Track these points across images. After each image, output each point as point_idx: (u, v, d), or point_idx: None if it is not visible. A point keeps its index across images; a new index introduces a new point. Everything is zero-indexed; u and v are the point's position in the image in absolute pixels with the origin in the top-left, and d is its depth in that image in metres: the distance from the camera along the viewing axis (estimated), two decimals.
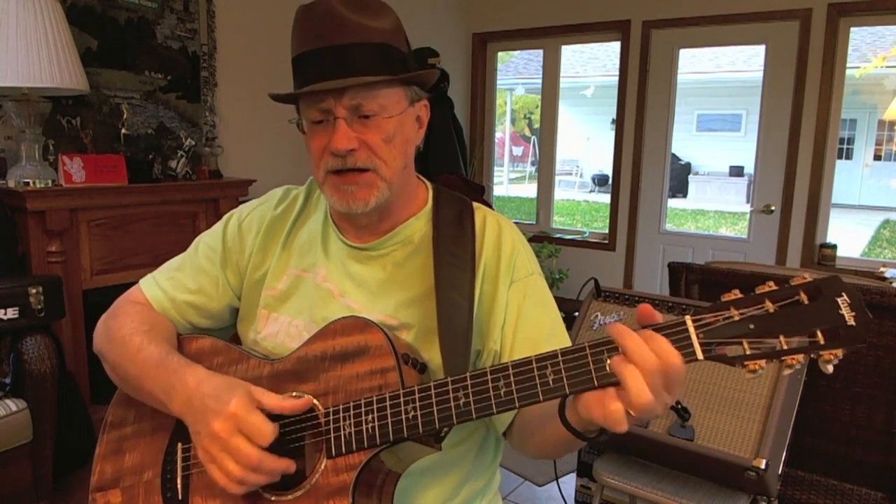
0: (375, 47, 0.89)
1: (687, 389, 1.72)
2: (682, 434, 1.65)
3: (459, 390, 0.76)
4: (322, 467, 0.82)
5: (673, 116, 4.56)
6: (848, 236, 8.92)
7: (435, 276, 0.93)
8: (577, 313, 2.01)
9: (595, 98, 12.96)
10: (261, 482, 0.81)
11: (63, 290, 2.31)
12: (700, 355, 0.66)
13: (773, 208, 4.23)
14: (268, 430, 0.79)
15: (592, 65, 12.60)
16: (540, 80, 5.24)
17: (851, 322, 0.62)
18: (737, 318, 0.65)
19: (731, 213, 11.08)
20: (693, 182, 13.18)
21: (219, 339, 1.01)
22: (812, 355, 0.63)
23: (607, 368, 0.68)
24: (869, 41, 10.26)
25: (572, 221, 10.43)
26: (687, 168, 13.30)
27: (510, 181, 13.98)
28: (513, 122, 14.91)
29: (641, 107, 4.56)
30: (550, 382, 0.71)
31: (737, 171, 12.14)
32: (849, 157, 12.84)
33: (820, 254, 4.08)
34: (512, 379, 0.73)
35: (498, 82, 5.45)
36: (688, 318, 0.66)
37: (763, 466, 1.52)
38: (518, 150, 15.87)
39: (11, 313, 2.11)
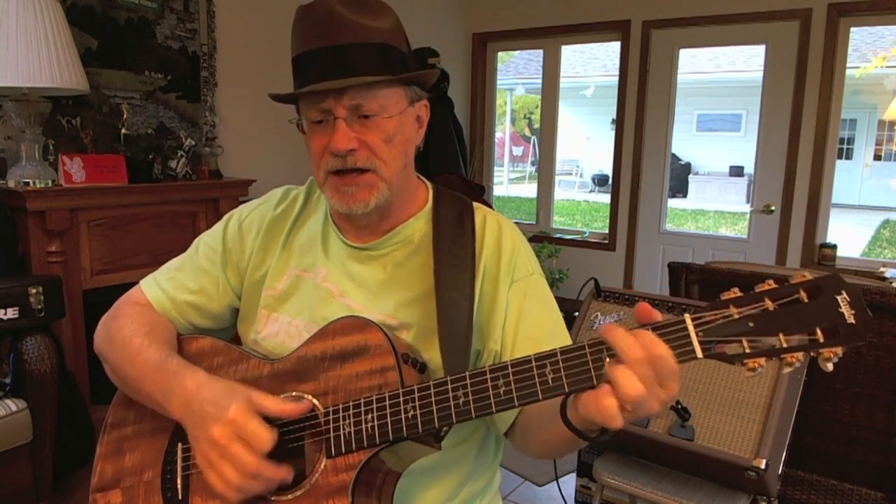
0: (375, 47, 0.89)
1: (687, 389, 1.72)
2: (682, 434, 1.65)
3: (459, 389, 0.76)
4: (322, 467, 0.82)
5: (673, 116, 4.56)
6: (848, 236, 8.92)
7: (435, 276, 0.93)
8: (577, 313, 2.01)
9: (595, 98, 12.96)
10: (259, 490, 0.80)
11: (63, 290, 2.31)
12: (699, 353, 0.66)
13: (773, 208, 4.23)
14: (267, 438, 0.79)
15: (592, 65, 12.60)
16: (540, 80, 5.24)
17: (851, 320, 0.62)
18: (736, 317, 0.65)
19: (731, 213, 11.08)
20: (693, 182, 13.18)
21: (219, 339, 1.01)
22: (812, 353, 0.63)
23: (606, 367, 0.68)
24: (869, 41, 10.26)
25: (572, 221, 10.43)
26: (687, 168, 13.30)
27: (510, 181, 13.98)
28: (513, 122, 14.91)
29: (641, 107, 4.56)
30: (550, 381, 0.71)
31: (737, 171, 12.15)
32: (849, 157, 12.84)
33: (820, 254, 4.08)
34: (511, 378, 0.73)
35: (498, 82, 5.45)
36: (687, 317, 0.67)
37: (763, 466, 1.52)
38: (518, 150, 15.87)
39: (11, 313, 2.11)
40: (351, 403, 0.82)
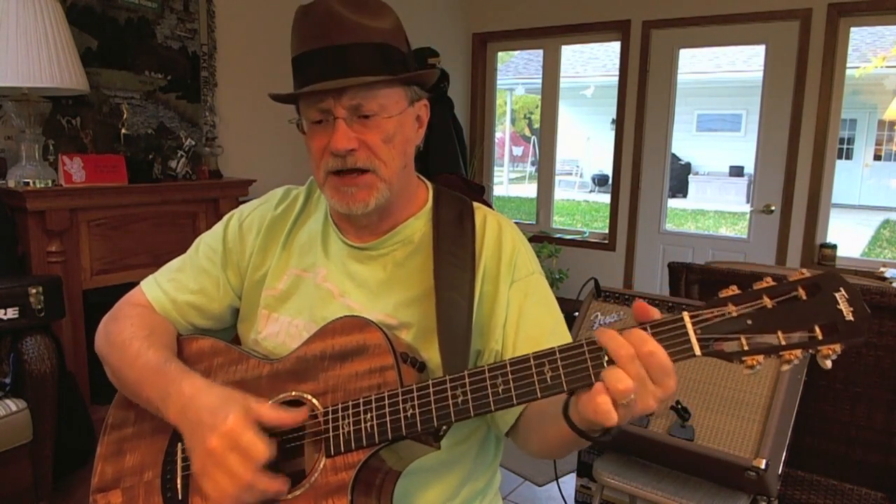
0: (375, 47, 0.89)
1: (687, 389, 1.72)
2: (682, 434, 1.65)
3: (458, 388, 0.76)
4: (321, 466, 0.82)
5: (673, 116, 4.56)
6: (848, 236, 8.92)
7: (434, 276, 0.93)
8: (577, 313, 2.01)
9: (595, 98, 12.97)
10: (254, 501, 0.80)
11: (63, 290, 2.31)
12: (698, 351, 0.66)
13: (773, 208, 4.23)
14: (262, 450, 0.78)
15: (592, 65, 12.60)
16: (540, 80, 5.24)
17: (850, 317, 0.62)
18: (734, 314, 0.65)
19: (731, 213, 11.08)
20: (693, 182, 13.18)
21: (219, 339, 1.01)
22: (810, 351, 0.63)
23: (605, 365, 0.68)
24: (869, 41, 10.26)
25: (572, 221, 10.43)
26: (687, 168, 13.30)
27: (510, 181, 13.99)
28: (513, 122, 14.91)
29: (641, 107, 4.56)
30: (548, 380, 0.72)
31: (737, 171, 12.15)
32: (849, 157, 12.84)
33: (820, 254, 4.08)
34: (510, 377, 0.73)
35: (498, 82, 5.45)
36: (685, 314, 0.67)
37: (763, 466, 1.52)
38: (518, 150, 15.87)
39: (11, 313, 2.11)
40: (350, 403, 0.82)
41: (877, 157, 13.22)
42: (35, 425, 2.11)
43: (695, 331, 0.66)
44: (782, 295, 0.64)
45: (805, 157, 4.04)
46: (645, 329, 0.68)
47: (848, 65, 4.01)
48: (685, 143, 12.45)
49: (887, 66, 10.35)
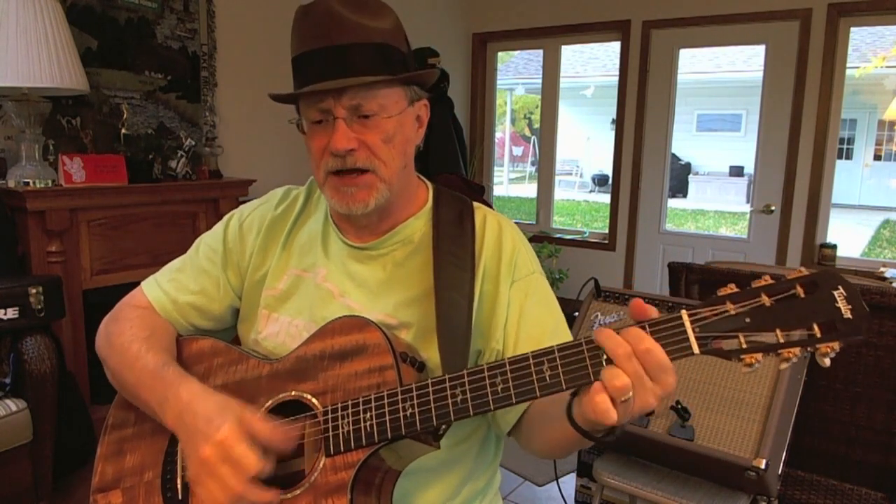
0: (375, 47, 0.89)
1: (687, 389, 1.72)
2: (682, 434, 1.65)
3: (457, 388, 0.76)
4: (321, 465, 0.83)
5: (673, 116, 4.56)
6: (848, 236, 8.92)
7: (434, 276, 0.93)
8: (577, 313, 2.01)
9: (595, 98, 12.96)
10: None
11: (63, 290, 2.31)
12: (696, 349, 0.66)
13: (773, 208, 4.23)
14: (253, 463, 0.78)
15: (592, 65, 12.60)
16: (540, 80, 5.24)
17: (848, 315, 0.62)
18: (733, 313, 0.65)
19: (731, 213, 11.08)
20: (693, 182, 13.18)
21: (220, 340, 1.01)
22: (809, 349, 0.63)
23: (603, 364, 0.68)
24: (869, 41, 10.26)
25: (572, 221, 10.43)
26: (687, 168, 13.30)
27: (510, 181, 13.98)
28: (513, 122, 14.91)
29: (641, 107, 4.56)
30: (547, 378, 0.72)
31: (737, 171, 12.14)
32: (849, 157, 12.84)
33: (820, 254, 4.08)
34: (509, 375, 0.74)
35: (498, 82, 5.45)
36: (683, 313, 0.67)
37: (763, 466, 1.52)
38: (518, 150, 15.87)
39: (11, 313, 2.11)
40: (350, 402, 0.82)
41: (877, 157, 13.22)
42: (35, 425, 2.11)
43: (693, 329, 0.66)
44: (780, 293, 0.64)
45: (805, 157, 4.04)
46: (644, 328, 0.68)
47: (848, 65, 4.01)
48: (685, 143, 12.44)
49: (887, 66, 10.35)
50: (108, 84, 2.95)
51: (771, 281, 0.65)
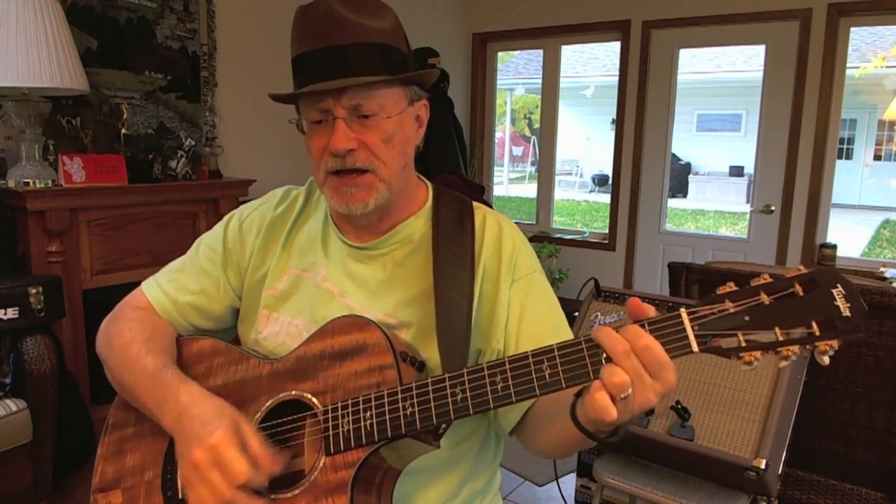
0: (375, 47, 0.89)
1: (687, 389, 1.72)
2: (682, 434, 1.65)
3: (457, 386, 0.76)
4: (321, 465, 0.83)
5: (673, 116, 4.56)
6: (848, 236, 8.92)
7: (434, 276, 0.93)
8: (577, 313, 2.01)
9: (595, 98, 12.96)
10: None
11: (63, 290, 2.31)
12: (695, 347, 0.66)
13: (773, 208, 4.23)
14: (243, 471, 0.78)
15: (592, 65, 12.60)
16: (540, 80, 5.24)
17: (847, 313, 0.62)
18: (732, 311, 0.66)
19: (731, 213, 11.08)
20: (693, 182, 13.18)
21: (220, 340, 1.01)
22: (808, 346, 0.63)
23: (603, 362, 0.69)
24: (869, 41, 10.26)
25: (572, 221, 10.43)
26: (687, 168, 13.30)
27: (510, 181, 13.98)
28: (513, 122, 14.91)
29: (641, 107, 4.56)
30: (547, 377, 0.72)
31: (737, 171, 12.14)
32: (849, 157, 12.84)
33: (820, 254, 4.08)
34: (509, 374, 0.74)
35: (498, 82, 5.45)
36: (683, 311, 0.67)
37: (763, 466, 1.52)
38: (518, 150, 15.87)
39: (11, 313, 2.11)
40: (350, 401, 0.83)
41: (877, 157, 13.22)
42: (35, 425, 2.11)
43: (692, 327, 0.66)
44: (779, 291, 0.65)
45: (805, 157, 4.04)
46: (643, 326, 0.68)
47: (848, 65, 4.01)
48: (685, 143, 12.44)
49: (887, 66, 10.35)
50: (108, 84, 2.95)
51: (770, 279, 0.65)
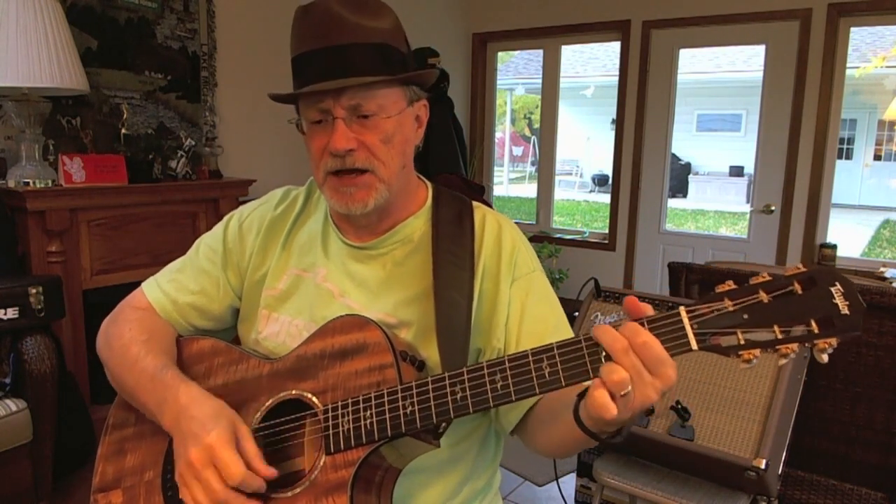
0: (374, 47, 0.89)
1: (687, 389, 1.72)
2: (682, 434, 1.65)
3: (457, 385, 0.76)
4: (321, 464, 0.83)
5: (673, 116, 4.56)
6: (848, 236, 8.92)
7: (434, 275, 0.93)
8: (577, 313, 2.01)
9: (595, 98, 12.97)
10: None
11: (63, 290, 2.31)
12: (694, 345, 0.66)
13: (773, 208, 4.23)
14: (238, 472, 0.79)
15: (592, 65, 12.60)
16: (540, 80, 5.24)
17: (845, 311, 0.62)
18: (731, 309, 0.66)
19: (731, 213, 11.08)
20: (693, 182, 13.18)
21: (220, 340, 1.01)
22: (806, 344, 0.63)
23: (602, 360, 0.69)
24: (869, 41, 10.26)
25: (572, 221, 10.43)
26: (687, 168, 13.30)
27: (510, 181, 13.99)
28: (513, 122, 14.92)
29: (641, 107, 4.56)
30: (546, 375, 0.72)
31: (737, 171, 12.14)
32: (849, 157, 12.84)
33: (820, 254, 4.08)
34: (508, 373, 0.74)
35: (498, 82, 5.45)
36: (682, 309, 0.67)
37: (763, 466, 1.52)
38: (518, 150, 15.87)
39: (11, 313, 2.11)
40: (350, 400, 0.83)
41: (877, 157, 13.21)
42: (35, 425, 2.11)
43: (691, 325, 0.66)
44: (778, 289, 0.65)
45: (805, 157, 4.04)
46: (642, 324, 0.68)
47: (848, 65, 4.01)
48: (685, 143, 12.44)
49: (887, 66, 10.35)
50: (108, 84, 2.95)
51: (769, 278, 0.65)
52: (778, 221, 4.21)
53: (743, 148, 10.52)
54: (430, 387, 0.78)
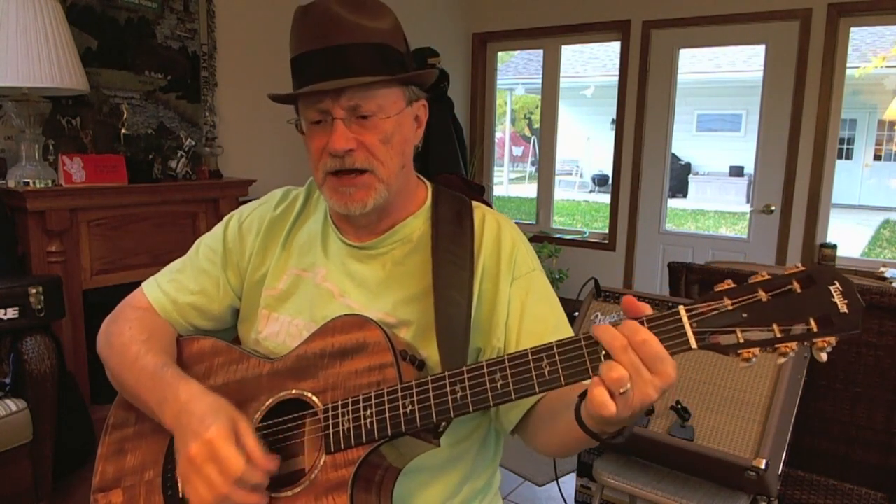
0: (373, 47, 0.89)
1: (687, 389, 1.72)
2: (682, 434, 1.65)
3: (456, 384, 0.76)
4: (321, 463, 0.83)
5: (673, 116, 4.56)
6: (848, 236, 8.92)
7: (433, 274, 0.93)
8: (577, 313, 2.01)
9: (595, 98, 12.97)
10: None
11: (63, 290, 2.31)
12: (694, 344, 0.66)
13: (773, 208, 4.23)
14: (237, 467, 0.78)
15: (592, 65, 12.60)
16: (540, 80, 5.25)
17: (844, 309, 0.62)
18: (730, 308, 0.66)
19: (731, 213, 11.08)
20: (693, 182, 13.18)
21: (220, 339, 1.01)
22: (805, 343, 0.64)
23: (602, 359, 0.69)
24: (869, 41, 10.26)
25: (572, 221, 10.43)
26: (687, 168, 13.30)
27: (510, 181, 13.99)
28: (513, 122, 14.92)
29: (641, 107, 4.56)
30: (546, 374, 0.72)
31: (737, 171, 12.14)
32: (849, 157, 12.84)
33: (820, 254, 4.08)
34: (508, 372, 0.74)
35: (498, 82, 5.45)
36: (681, 308, 0.67)
37: (763, 466, 1.52)
38: (518, 150, 15.87)
39: (11, 313, 2.11)
40: (350, 400, 0.83)
41: (877, 157, 13.21)
42: (35, 425, 2.11)
43: (691, 324, 0.67)
44: (777, 288, 0.65)
45: (805, 157, 4.05)
46: (642, 323, 0.68)
47: (848, 65, 4.01)
48: (685, 143, 12.44)
49: (887, 66, 10.35)
50: (108, 84, 2.95)
51: (768, 277, 0.65)
52: (778, 221, 4.21)
53: (743, 148, 10.52)
54: (430, 386, 0.78)
